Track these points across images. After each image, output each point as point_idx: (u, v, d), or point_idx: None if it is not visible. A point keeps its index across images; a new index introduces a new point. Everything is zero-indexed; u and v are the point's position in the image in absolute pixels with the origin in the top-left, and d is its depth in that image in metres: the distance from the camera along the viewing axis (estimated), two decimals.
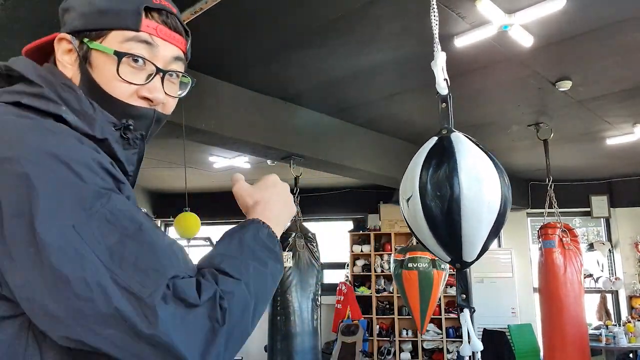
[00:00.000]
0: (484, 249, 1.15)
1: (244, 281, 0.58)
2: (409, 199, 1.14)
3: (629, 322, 5.19)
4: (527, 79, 3.30)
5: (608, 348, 4.87)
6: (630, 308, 5.75)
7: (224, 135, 3.33)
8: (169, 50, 0.70)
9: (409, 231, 1.23)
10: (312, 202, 5.69)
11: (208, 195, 6.55)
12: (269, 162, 4.68)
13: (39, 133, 0.56)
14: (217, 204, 6.66)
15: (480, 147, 1.17)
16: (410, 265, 3.95)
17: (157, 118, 0.70)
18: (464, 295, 1.18)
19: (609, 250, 6.09)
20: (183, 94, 0.75)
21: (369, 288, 6.31)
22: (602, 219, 6.21)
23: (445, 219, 1.08)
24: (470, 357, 5.83)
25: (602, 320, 5.53)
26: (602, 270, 6.05)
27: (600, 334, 4.85)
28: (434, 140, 1.20)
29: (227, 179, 5.13)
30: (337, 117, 4.08)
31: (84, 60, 0.68)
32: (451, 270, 5.64)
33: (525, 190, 6.32)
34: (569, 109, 3.84)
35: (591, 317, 5.48)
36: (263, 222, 0.67)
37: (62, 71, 0.69)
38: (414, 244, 4.29)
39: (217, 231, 6.90)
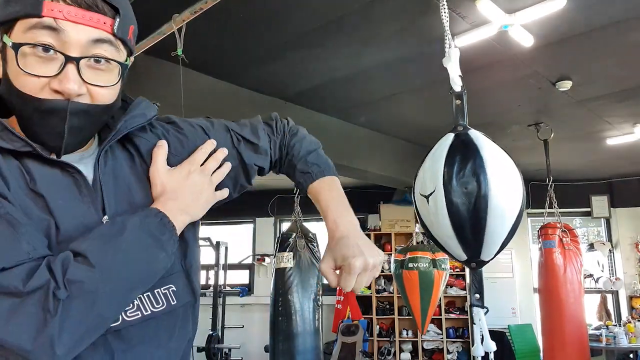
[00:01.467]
0: (502, 247, 1.13)
1: (99, 268, 0.58)
2: (429, 195, 1.10)
3: (629, 322, 5.18)
4: (527, 79, 3.30)
5: (608, 348, 4.87)
6: (631, 308, 5.75)
7: None
8: (83, 33, 0.61)
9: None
10: (313, 202, 5.68)
11: None
12: None
13: None
14: (217, 203, 6.67)
15: (497, 145, 1.16)
16: (410, 265, 3.95)
17: (75, 110, 0.62)
18: (478, 295, 1.19)
19: (609, 250, 6.09)
20: (117, 81, 0.66)
21: (369, 288, 6.31)
22: (602, 219, 6.20)
23: (470, 216, 1.05)
24: (482, 357, 5.84)
25: (602, 321, 5.53)
26: (602, 271, 6.04)
27: (601, 334, 4.84)
28: (451, 136, 1.18)
29: None
30: (337, 117, 4.08)
31: (2, 57, 0.63)
32: (451, 271, 5.64)
33: (525, 190, 6.31)
34: (569, 109, 3.84)
35: (591, 318, 5.48)
36: (158, 211, 0.68)
37: None
38: (415, 244, 4.29)
39: (217, 231, 6.89)
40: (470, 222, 1.05)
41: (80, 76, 0.62)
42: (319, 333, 3.80)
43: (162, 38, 2.03)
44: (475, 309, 1.11)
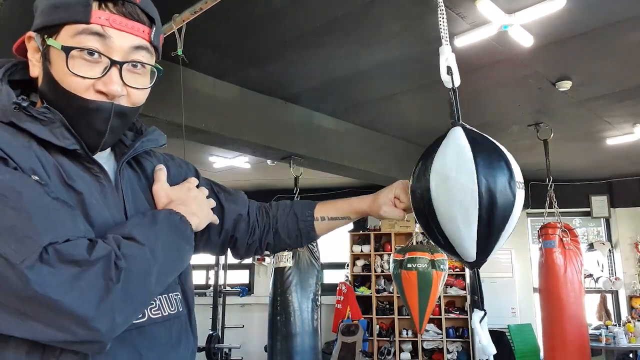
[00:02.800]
0: (486, 247, 1.08)
1: (148, 246, 0.63)
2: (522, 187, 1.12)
3: (629, 322, 5.18)
4: (527, 79, 3.30)
5: (608, 348, 4.87)
6: (630, 308, 5.75)
7: (224, 135, 3.33)
8: (126, 40, 0.67)
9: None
10: None
11: None
12: (269, 162, 4.68)
13: None
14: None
15: (469, 138, 1.08)
16: (409, 265, 3.94)
17: (117, 111, 0.68)
18: (476, 297, 1.13)
19: (609, 250, 6.09)
20: (150, 84, 0.72)
21: (369, 288, 6.31)
22: (602, 219, 6.21)
23: (497, 215, 1.01)
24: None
25: (602, 320, 5.53)
26: (602, 271, 6.04)
27: (600, 334, 4.84)
28: (460, 130, 1.15)
29: (227, 179, 5.17)
30: (337, 117, 4.08)
31: (45, 58, 0.67)
32: (451, 271, 5.64)
33: (525, 190, 6.32)
34: (569, 109, 3.84)
35: (591, 317, 5.48)
36: (176, 211, 0.73)
37: (32, 69, 0.70)
38: (414, 243, 4.29)
39: None
40: (495, 223, 1.00)
41: (122, 79, 0.67)
42: (318, 333, 3.80)
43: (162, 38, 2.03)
44: (474, 310, 1.07)
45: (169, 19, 1.95)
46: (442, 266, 4.01)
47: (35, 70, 0.70)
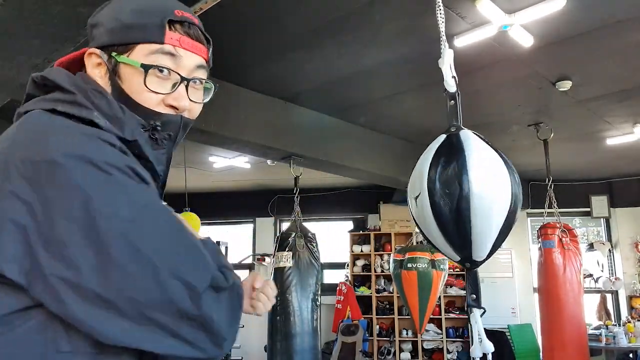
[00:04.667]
0: (494, 248, 1.11)
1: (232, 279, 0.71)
2: (417, 197, 1.12)
3: (629, 322, 5.18)
4: (527, 79, 3.30)
5: (608, 348, 4.87)
6: (630, 308, 5.75)
7: (224, 135, 3.33)
8: (192, 59, 0.74)
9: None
10: (312, 202, 5.69)
11: (208, 195, 6.55)
12: (269, 162, 4.68)
13: (75, 138, 0.62)
14: (217, 204, 6.68)
15: (489, 145, 1.15)
16: (409, 265, 3.95)
17: (185, 123, 0.75)
18: (474, 296, 1.16)
19: (609, 250, 6.09)
20: (207, 99, 0.80)
21: (369, 288, 6.31)
22: (602, 219, 6.21)
23: (454, 217, 1.05)
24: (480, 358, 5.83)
25: (602, 320, 5.53)
26: (602, 270, 6.04)
27: (600, 334, 4.84)
28: (442, 137, 1.18)
29: (227, 179, 5.15)
30: (337, 117, 4.08)
31: (114, 73, 0.72)
32: (451, 270, 5.64)
33: (525, 190, 6.31)
34: (569, 109, 3.84)
35: (591, 317, 5.48)
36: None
37: (101, 83, 0.74)
38: (414, 244, 4.30)
39: (217, 231, 6.90)
40: (454, 223, 1.05)
41: (188, 94, 0.74)
42: (318, 333, 3.80)
43: None
44: (473, 309, 1.08)
45: None
46: (442, 266, 4.01)
47: (106, 84, 0.73)
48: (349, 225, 6.85)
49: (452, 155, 1.11)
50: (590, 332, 4.73)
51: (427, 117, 4.14)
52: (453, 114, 1.20)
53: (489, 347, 1.04)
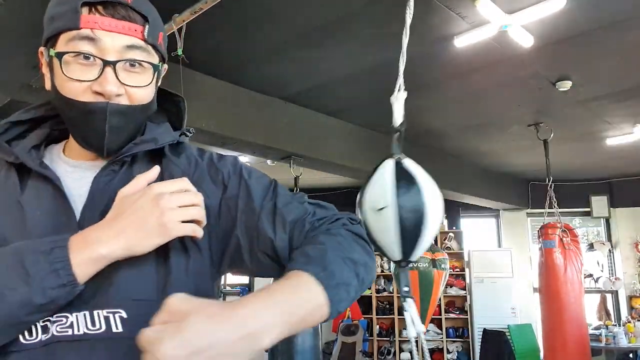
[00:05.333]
0: (423, 250, 1.52)
1: None
2: (382, 209, 1.44)
3: (629, 322, 5.18)
4: (527, 79, 3.30)
5: (608, 348, 4.87)
6: (630, 308, 5.75)
7: (224, 135, 3.33)
8: (117, 40, 0.67)
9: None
10: None
11: None
12: (269, 162, 4.68)
13: None
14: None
15: (424, 170, 1.55)
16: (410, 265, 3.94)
17: (114, 110, 0.68)
18: (407, 288, 1.55)
19: (609, 250, 6.09)
20: (149, 81, 0.71)
21: (369, 288, 6.32)
22: (602, 219, 6.21)
23: (413, 229, 1.40)
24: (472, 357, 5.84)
25: (602, 320, 5.53)
26: (602, 270, 6.05)
27: (600, 334, 4.84)
28: (391, 162, 1.55)
29: None
30: (336, 117, 4.08)
31: (50, 69, 0.70)
32: (451, 271, 5.64)
33: (525, 190, 6.32)
34: (569, 109, 3.84)
35: (591, 317, 5.48)
36: (57, 241, 0.65)
37: (45, 83, 0.72)
38: None
39: None
40: (412, 233, 1.40)
41: (118, 78, 0.67)
42: (318, 333, 3.80)
43: None
44: (407, 299, 1.48)
45: (169, 19, 1.95)
46: (443, 265, 4.01)
47: (48, 83, 0.72)
48: None
49: (409, 180, 1.47)
50: (591, 332, 4.72)
51: (427, 117, 4.14)
52: (397, 145, 1.60)
53: (420, 327, 1.38)
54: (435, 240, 5.91)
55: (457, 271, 6.02)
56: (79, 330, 0.63)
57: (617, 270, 6.01)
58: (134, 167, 0.74)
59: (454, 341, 5.91)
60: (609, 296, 5.91)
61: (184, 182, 0.68)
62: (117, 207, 0.66)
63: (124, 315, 0.65)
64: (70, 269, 0.60)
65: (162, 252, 0.68)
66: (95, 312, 0.64)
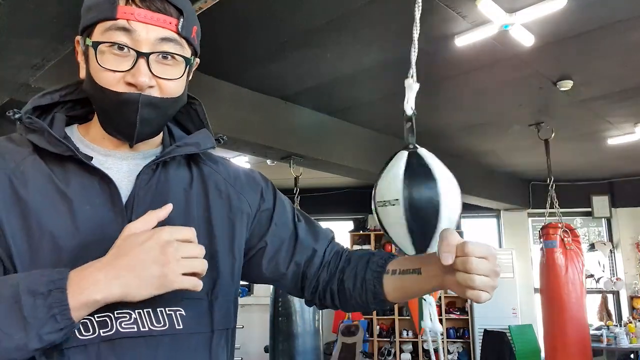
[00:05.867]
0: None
1: None
2: (390, 204, 1.38)
3: (630, 322, 5.18)
4: (528, 79, 3.29)
5: (609, 348, 4.86)
6: (632, 308, 5.74)
7: (224, 135, 3.32)
8: (152, 33, 0.68)
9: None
10: (312, 202, 5.69)
11: None
12: (269, 162, 4.67)
13: None
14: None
15: (440, 161, 1.43)
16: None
17: (146, 102, 0.68)
18: None
19: (610, 250, 6.08)
20: (181, 75, 0.72)
21: None
22: (603, 219, 6.19)
23: (425, 224, 1.31)
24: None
25: (603, 321, 5.52)
26: (603, 271, 6.03)
27: (602, 335, 4.84)
28: (405, 154, 1.48)
29: None
30: (337, 117, 4.07)
31: (85, 58, 0.71)
32: None
33: (526, 190, 6.31)
34: (570, 109, 3.83)
35: (592, 318, 5.47)
36: (58, 280, 0.60)
37: (80, 72, 0.74)
38: None
39: None
40: (425, 226, 1.30)
41: (150, 70, 0.68)
42: (319, 333, 3.79)
43: None
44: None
45: None
46: None
47: (82, 72, 0.73)
48: (349, 225, 6.84)
49: (423, 171, 1.37)
50: (592, 332, 4.71)
51: (427, 117, 4.13)
52: (410, 134, 1.52)
53: (439, 327, 1.29)
54: None
55: None
56: (144, 327, 0.66)
57: (619, 271, 5.99)
58: (169, 167, 0.76)
59: (454, 341, 5.89)
60: (610, 296, 5.90)
61: (191, 233, 0.64)
62: (121, 245, 0.62)
63: (184, 313, 0.69)
64: (68, 314, 0.57)
65: (211, 254, 0.73)
66: (158, 310, 0.67)
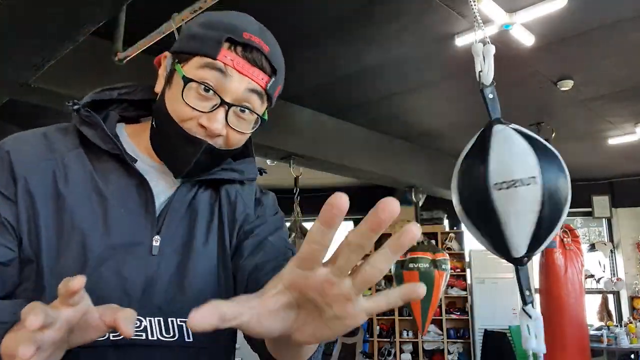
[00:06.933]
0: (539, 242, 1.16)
1: None
2: (528, 184, 1.05)
3: (631, 322, 5.17)
4: (529, 78, 3.29)
5: (609, 349, 4.85)
6: (632, 309, 5.74)
7: None
8: (242, 83, 0.68)
9: None
10: (312, 202, 5.68)
11: None
12: (268, 162, 4.67)
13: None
14: None
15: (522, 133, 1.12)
16: (411, 265, 3.94)
17: (207, 150, 0.69)
18: (528, 292, 1.13)
19: (611, 250, 6.08)
20: (253, 129, 0.75)
21: (369, 289, 6.31)
22: (603, 219, 6.19)
23: (554, 213, 1.03)
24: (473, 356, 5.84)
25: (603, 321, 5.52)
26: (603, 271, 6.03)
27: (602, 335, 4.83)
28: (510, 129, 1.14)
29: None
30: (337, 117, 4.07)
31: (169, 79, 0.71)
32: (452, 271, 5.63)
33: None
34: (571, 109, 3.83)
35: (593, 318, 5.47)
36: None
37: (157, 85, 0.73)
38: (415, 244, 4.28)
39: None
40: (550, 218, 0.99)
41: (227, 121, 0.68)
42: None
43: (162, 37, 2.02)
44: (529, 304, 1.05)
45: (168, 18, 1.94)
46: (443, 266, 4.00)
47: (159, 87, 0.73)
48: (349, 225, 6.84)
49: (547, 150, 1.09)
50: (592, 332, 4.71)
51: (427, 117, 4.13)
52: (496, 104, 1.18)
53: (542, 347, 0.99)
54: (436, 241, 5.90)
55: (458, 272, 6.01)
56: (152, 336, 0.64)
57: (619, 271, 5.99)
58: (197, 186, 0.75)
59: (454, 342, 5.89)
60: (610, 297, 5.90)
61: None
62: None
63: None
64: None
65: (223, 267, 0.72)
66: (169, 320, 0.66)
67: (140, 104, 0.78)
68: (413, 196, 4.96)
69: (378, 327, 6.14)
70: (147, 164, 0.73)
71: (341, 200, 0.41)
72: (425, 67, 3.12)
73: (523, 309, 1.00)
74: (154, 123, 0.72)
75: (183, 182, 0.73)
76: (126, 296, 0.63)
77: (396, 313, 6.07)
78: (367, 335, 5.97)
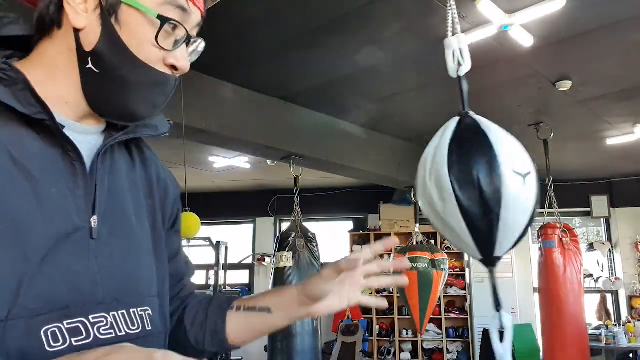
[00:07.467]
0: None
1: None
2: (526, 175, 1.05)
3: (629, 322, 5.19)
4: (527, 79, 3.30)
5: (608, 348, 4.87)
6: (630, 308, 5.75)
7: (224, 135, 3.33)
8: (197, 16, 0.65)
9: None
10: (312, 202, 5.69)
11: (208, 195, 6.55)
12: (269, 162, 4.68)
13: None
14: (217, 204, 6.68)
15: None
16: (409, 265, 3.95)
17: (177, 86, 0.66)
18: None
19: (609, 250, 6.09)
20: (194, 59, 0.70)
21: (369, 288, 6.31)
22: (602, 219, 6.20)
23: (488, 215, 1.07)
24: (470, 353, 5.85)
25: (602, 321, 5.53)
26: (602, 271, 6.04)
27: (600, 334, 4.85)
28: (487, 121, 1.20)
29: (227, 178, 5.18)
30: (337, 117, 4.08)
31: (110, 14, 0.58)
32: (451, 271, 5.64)
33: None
34: (569, 109, 3.84)
35: (591, 317, 5.48)
36: None
37: (74, 19, 0.58)
38: (414, 244, 4.30)
39: (217, 231, 6.90)
40: (484, 220, 1.04)
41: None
42: (318, 333, 3.80)
43: None
44: (500, 312, 1.08)
45: None
46: (442, 266, 4.01)
47: (81, 21, 0.58)
48: (349, 225, 6.85)
49: (479, 143, 1.13)
50: (591, 332, 4.73)
51: (427, 117, 4.14)
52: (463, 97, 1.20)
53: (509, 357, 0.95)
54: (435, 241, 5.91)
55: (457, 271, 6.02)
56: (120, 331, 0.59)
57: (617, 270, 6.00)
58: (114, 150, 0.66)
59: (453, 341, 5.90)
60: (609, 296, 5.91)
61: None
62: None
63: (150, 312, 0.65)
64: None
65: (156, 250, 0.69)
66: (131, 311, 0.61)
67: (18, 42, 0.64)
68: (413, 196, 4.97)
69: (378, 326, 6.15)
70: (77, 130, 0.61)
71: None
72: (425, 67, 3.13)
73: (499, 315, 0.99)
74: (93, 68, 0.58)
75: (106, 147, 0.62)
76: (80, 294, 0.55)
77: (396, 312, 6.08)
78: (367, 334, 5.98)
